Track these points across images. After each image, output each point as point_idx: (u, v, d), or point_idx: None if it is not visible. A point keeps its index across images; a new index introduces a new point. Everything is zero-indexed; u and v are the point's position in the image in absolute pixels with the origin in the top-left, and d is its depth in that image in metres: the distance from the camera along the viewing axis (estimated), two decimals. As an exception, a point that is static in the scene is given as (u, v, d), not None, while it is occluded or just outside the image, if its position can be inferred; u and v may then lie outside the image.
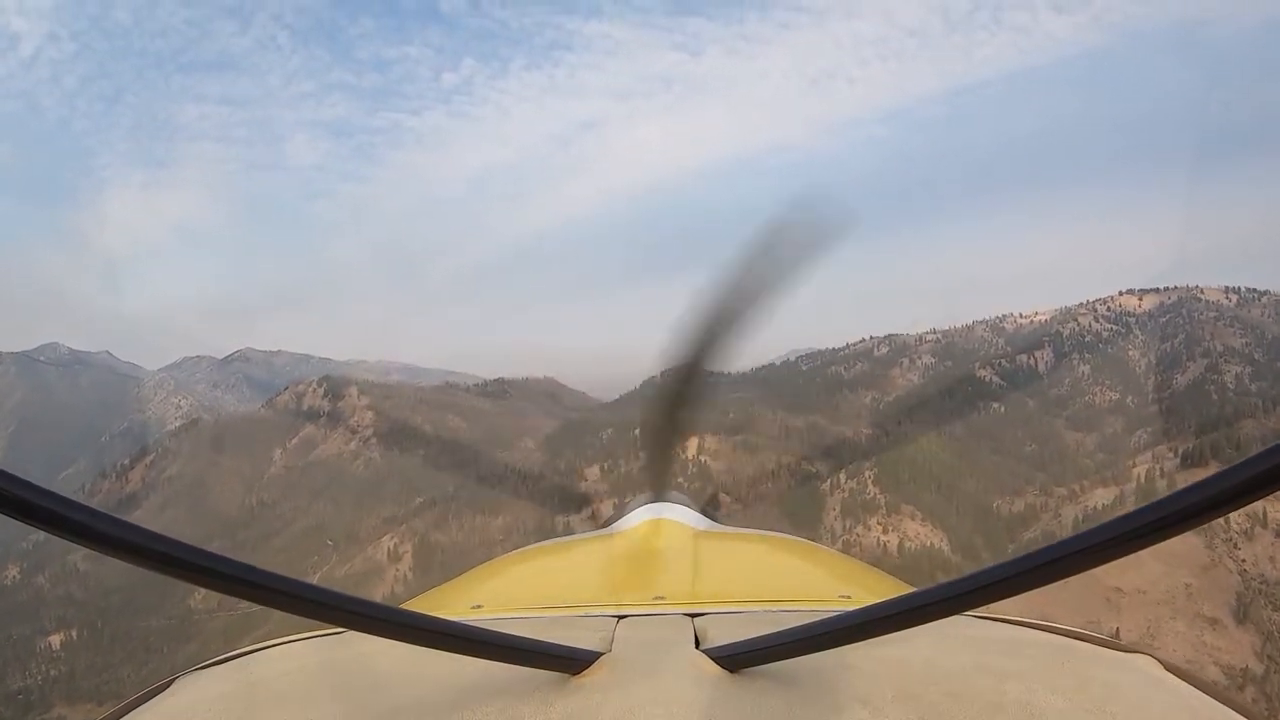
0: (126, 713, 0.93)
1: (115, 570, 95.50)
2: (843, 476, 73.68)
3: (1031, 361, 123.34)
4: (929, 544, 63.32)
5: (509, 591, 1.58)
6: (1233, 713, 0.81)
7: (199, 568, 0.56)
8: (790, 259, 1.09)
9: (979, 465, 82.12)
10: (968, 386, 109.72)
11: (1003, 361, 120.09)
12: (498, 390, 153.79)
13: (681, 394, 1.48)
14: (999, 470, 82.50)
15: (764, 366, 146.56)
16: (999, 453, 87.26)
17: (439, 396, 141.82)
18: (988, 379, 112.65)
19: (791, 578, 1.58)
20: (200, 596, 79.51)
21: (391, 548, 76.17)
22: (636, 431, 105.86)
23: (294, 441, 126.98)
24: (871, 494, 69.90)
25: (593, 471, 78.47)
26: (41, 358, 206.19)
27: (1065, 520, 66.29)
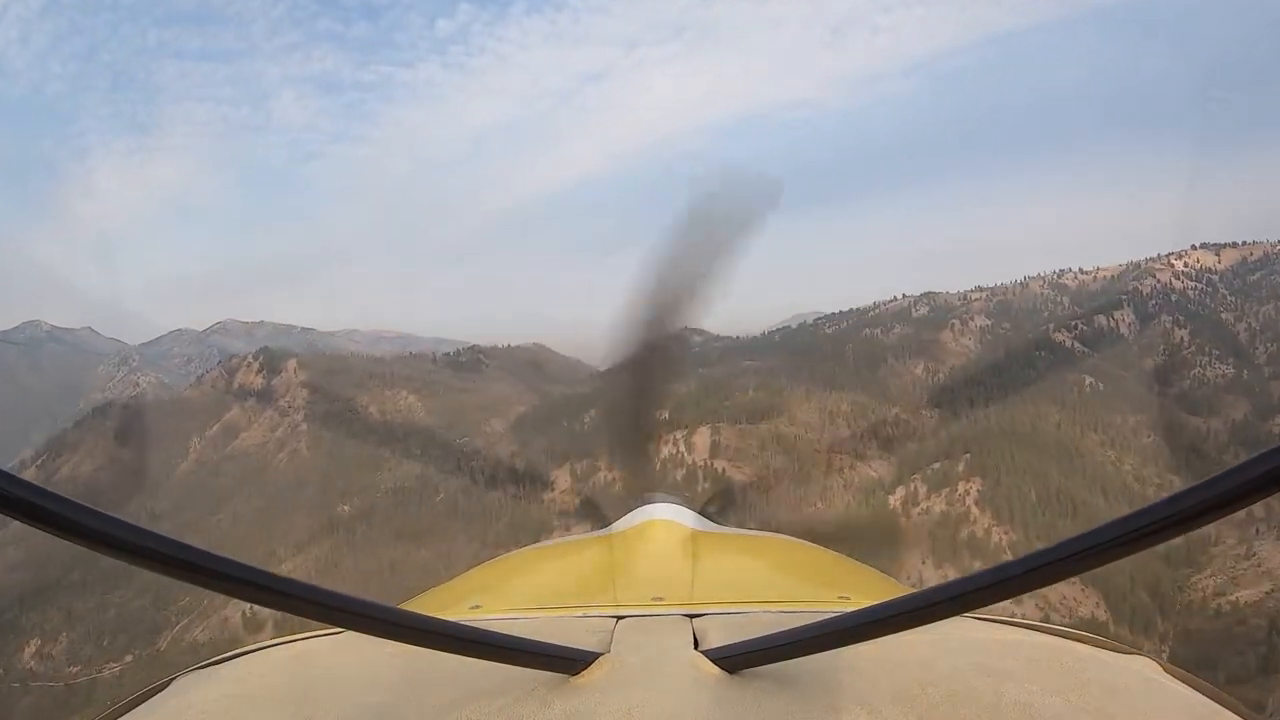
0: (125, 712, 0.94)
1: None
2: (920, 486, 51.23)
3: (1112, 324, 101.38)
4: (1087, 614, 40.89)
5: (508, 592, 1.58)
6: (1231, 715, 0.82)
7: (199, 568, 0.56)
8: (725, 233, 1.06)
9: (1094, 466, 59.55)
10: (1044, 353, 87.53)
11: (1080, 324, 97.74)
12: (471, 360, 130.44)
13: (642, 386, 1.48)
14: (1121, 473, 60.08)
15: (779, 329, 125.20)
16: (1114, 447, 64.76)
17: (396, 369, 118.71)
18: (1068, 344, 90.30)
19: (790, 579, 1.59)
20: (61, 646, 59.23)
21: (250, 609, 54.33)
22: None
23: (215, 429, 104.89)
24: (975, 518, 47.54)
25: (562, 477, 55.95)
26: (18, 337, 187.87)
27: (1267, 559, 44.20)
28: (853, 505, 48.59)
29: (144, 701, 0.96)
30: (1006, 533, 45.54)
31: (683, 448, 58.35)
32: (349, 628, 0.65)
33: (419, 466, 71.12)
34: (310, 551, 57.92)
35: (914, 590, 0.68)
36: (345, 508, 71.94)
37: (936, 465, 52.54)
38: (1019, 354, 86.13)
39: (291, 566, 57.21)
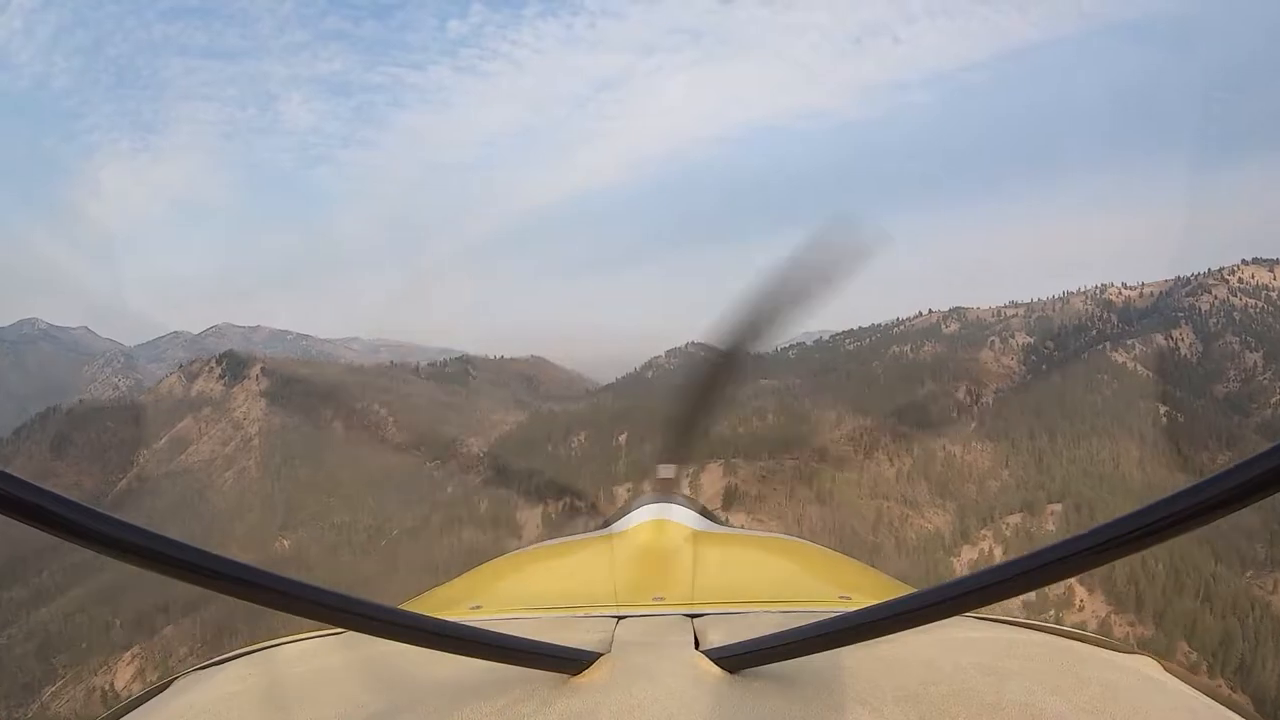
0: (126, 713, 0.94)
1: None
2: (994, 547, 39.89)
3: (1171, 344, 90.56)
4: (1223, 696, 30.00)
5: (509, 592, 1.59)
6: (1232, 714, 0.81)
7: (199, 568, 0.56)
8: (832, 269, 1.14)
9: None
10: (1107, 378, 76.41)
11: (1137, 344, 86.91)
12: (457, 371, 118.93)
13: (716, 381, 1.56)
14: (1228, 532, 48.63)
15: (794, 345, 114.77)
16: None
17: (373, 379, 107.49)
18: (1130, 367, 79.19)
19: (791, 578, 1.61)
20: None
21: (112, 686, 42.91)
22: (622, 439, 73.81)
23: (164, 441, 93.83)
24: (1083, 603, 36.08)
25: (530, 523, 44.29)
26: (11, 335, 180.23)
27: None
28: (910, 571, 37.63)
29: (145, 701, 0.96)
30: (1137, 628, 33.29)
31: (688, 490, 47.05)
32: (349, 628, 0.65)
33: (373, 497, 59.97)
34: (203, 612, 46.15)
35: (914, 590, 0.68)
36: (285, 543, 60.60)
37: (1014, 518, 41.36)
38: (1077, 377, 74.92)
39: (174, 631, 46.07)
